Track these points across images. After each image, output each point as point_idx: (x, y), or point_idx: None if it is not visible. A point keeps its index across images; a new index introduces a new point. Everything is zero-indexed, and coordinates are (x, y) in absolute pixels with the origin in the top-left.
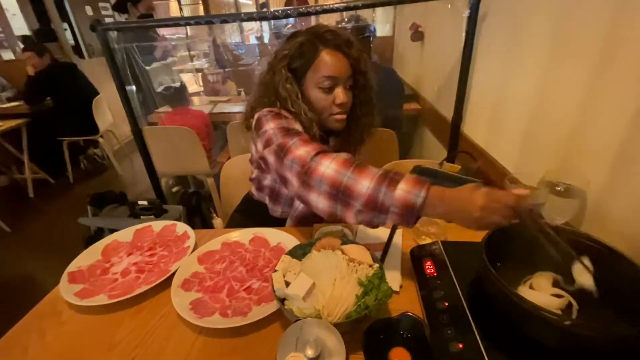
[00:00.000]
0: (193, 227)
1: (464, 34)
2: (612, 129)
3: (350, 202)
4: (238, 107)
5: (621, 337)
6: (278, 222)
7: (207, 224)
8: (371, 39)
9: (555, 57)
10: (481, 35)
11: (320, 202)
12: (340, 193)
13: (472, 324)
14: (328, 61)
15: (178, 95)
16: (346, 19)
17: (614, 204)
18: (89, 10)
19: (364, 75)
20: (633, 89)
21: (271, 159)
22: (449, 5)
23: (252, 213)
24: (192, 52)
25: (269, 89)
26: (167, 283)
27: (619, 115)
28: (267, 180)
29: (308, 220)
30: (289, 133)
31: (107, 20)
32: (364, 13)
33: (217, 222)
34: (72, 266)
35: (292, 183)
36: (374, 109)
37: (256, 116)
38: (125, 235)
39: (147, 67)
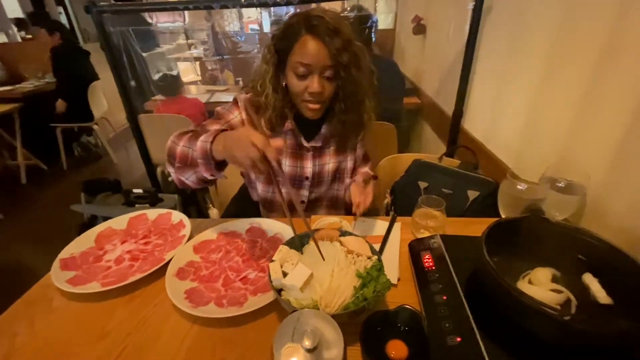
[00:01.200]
0: (189, 217)
1: (467, 27)
2: (613, 123)
3: (174, 164)
4: None
5: (620, 333)
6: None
7: (202, 214)
8: (373, 30)
9: (558, 52)
10: (485, 28)
11: (171, 173)
12: (170, 158)
13: (470, 317)
14: (305, 47)
15: (173, 85)
16: (348, 9)
17: (613, 199)
18: None
19: (346, 69)
20: (635, 84)
21: None
22: None
23: (248, 202)
24: (190, 41)
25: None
26: (161, 272)
27: (620, 110)
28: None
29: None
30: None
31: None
32: (366, 4)
33: (213, 212)
34: (65, 253)
35: None
36: (360, 106)
37: None
38: (119, 222)
39: (143, 54)
